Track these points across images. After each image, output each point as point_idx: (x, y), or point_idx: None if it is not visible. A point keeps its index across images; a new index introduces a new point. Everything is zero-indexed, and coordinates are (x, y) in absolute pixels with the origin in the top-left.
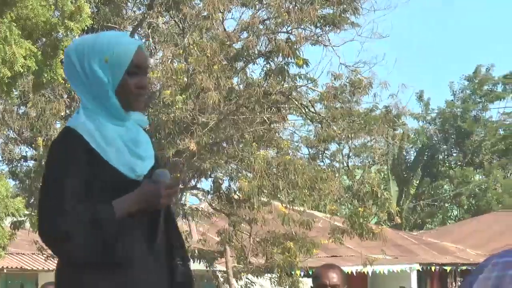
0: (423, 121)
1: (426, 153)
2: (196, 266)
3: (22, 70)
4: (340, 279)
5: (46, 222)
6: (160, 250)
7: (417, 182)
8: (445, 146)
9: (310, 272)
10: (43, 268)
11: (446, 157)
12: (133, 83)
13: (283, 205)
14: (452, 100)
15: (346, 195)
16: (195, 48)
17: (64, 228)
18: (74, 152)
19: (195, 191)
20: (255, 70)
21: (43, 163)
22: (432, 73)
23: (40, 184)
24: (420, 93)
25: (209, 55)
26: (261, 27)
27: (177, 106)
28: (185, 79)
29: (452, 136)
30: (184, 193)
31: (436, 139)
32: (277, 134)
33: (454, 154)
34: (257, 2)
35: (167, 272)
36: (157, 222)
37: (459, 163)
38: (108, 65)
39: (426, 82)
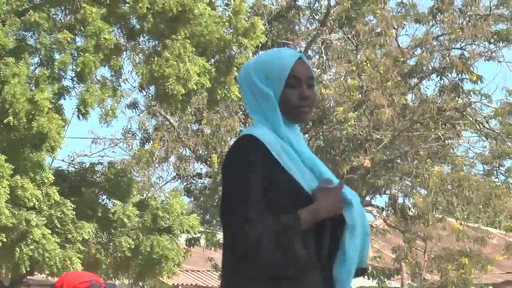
0: None
1: None
2: (368, 283)
3: (196, 87)
4: None
5: (236, 231)
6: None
7: None
8: None
9: None
10: (218, 285)
11: None
12: (295, 95)
13: (457, 221)
14: None
15: None
16: (368, 65)
17: (255, 236)
18: (255, 157)
19: (369, 208)
20: (429, 87)
21: (217, 180)
22: None
23: (222, 189)
24: None
25: (382, 71)
26: (434, 43)
27: (349, 123)
28: (359, 95)
29: None
30: None
31: None
32: (451, 150)
33: None
34: (431, 19)
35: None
36: (324, 229)
37: None
38: (269, 81)
39: None
